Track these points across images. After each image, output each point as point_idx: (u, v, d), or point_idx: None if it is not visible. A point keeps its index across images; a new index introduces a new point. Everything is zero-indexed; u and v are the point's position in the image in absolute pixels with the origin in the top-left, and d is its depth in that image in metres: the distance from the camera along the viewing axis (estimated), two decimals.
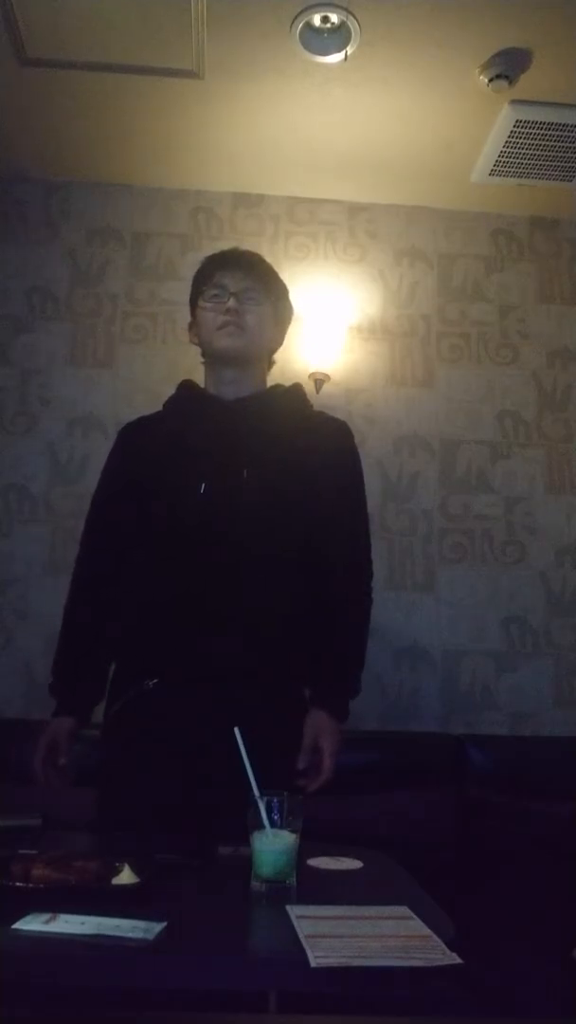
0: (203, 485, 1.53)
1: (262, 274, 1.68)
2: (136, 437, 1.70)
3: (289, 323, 1.75)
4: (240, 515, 1.52)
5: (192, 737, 1.44)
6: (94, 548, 1.67)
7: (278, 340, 1.73)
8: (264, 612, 1.49)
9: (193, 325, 1.71)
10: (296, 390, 1.71)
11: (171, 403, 1.72)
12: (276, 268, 1.72)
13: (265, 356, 1.71)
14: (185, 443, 1.60)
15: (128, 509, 1.60)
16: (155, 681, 1.48)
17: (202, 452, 1.57)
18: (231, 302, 1.61)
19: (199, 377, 1.73)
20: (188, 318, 1.74)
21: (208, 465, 1.55)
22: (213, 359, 1.66)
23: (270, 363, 1.74)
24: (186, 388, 1.72)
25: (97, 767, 1.52)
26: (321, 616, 1.54)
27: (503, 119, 2.65)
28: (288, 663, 1.52)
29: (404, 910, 1.00)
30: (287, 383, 1.73)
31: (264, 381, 1.70)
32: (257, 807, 1.09)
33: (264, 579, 1.50)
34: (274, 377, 1.76)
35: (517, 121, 2.64)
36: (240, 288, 1.63)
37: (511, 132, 2.69)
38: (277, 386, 1.71)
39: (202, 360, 1.71)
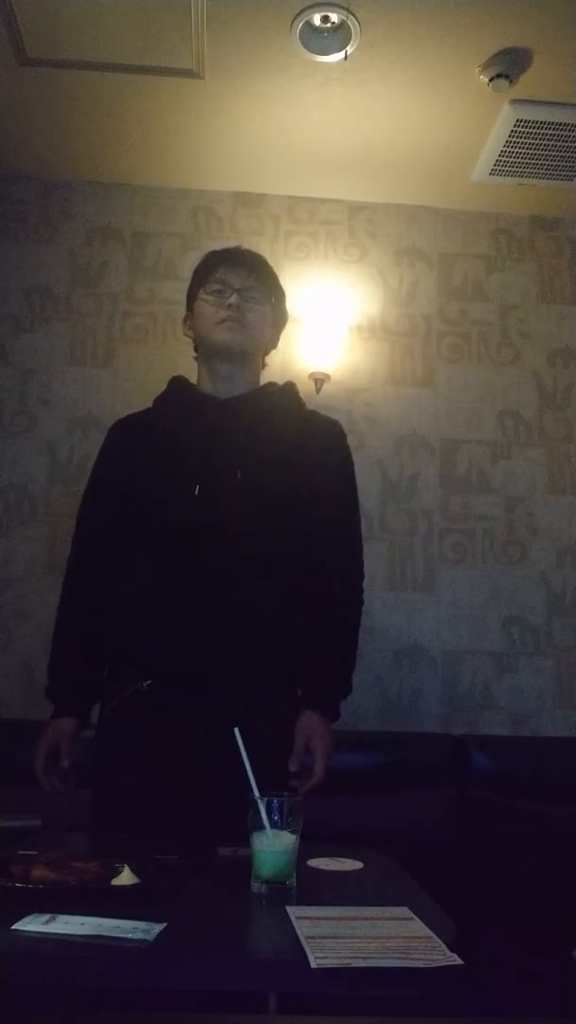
0: (197, 486, 1.51)
1: (265, 275, 1.67)
2: (127, 435, 1.68)
3: (284, 327, 1.74)
4: (234, 517, 1.51)
5: (189, 737, 1.43)
6: (86, 547, 1.65)
7: (274, 342, 1.72)
8: (258, 613, 1.48)
9: (189, 318, 1.69)
10: (289, 389, 1.70)
11: (162, 400, 1.70)
12: (276, 268, 1.72)
13: (261, 355, 1.70)
14: (179, 442, 1.58)
15: (120, 508, 1.58)
16: (149, 682, 1.47)
17: (196, 452, 1.56)
18: (233, 298, 1.60)
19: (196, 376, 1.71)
20: None
21: (202, 465, 1.54)
22: (210, 353, 1.64)
23: (263, 364, 1.72)
24: (178, 385, 1.70)
25: (93, 768, 1.52)
26: (312, 617, 1.53)
27: (503, 119, 2.65)
28: (282, 663, 1.51)
29: (404, 911, 0.99)
30: (281, 382, 1.71)
31: (258, 380, 1.69)
32: (257, 807, 1.09)
33: (257, 580, 1.49)
34: (273, 376, 1.75)
35: (518, 120, 2.64)
36: (243, 286, 1.62)
37: (511, 132, 2.69)
38: (270, 384, 1.69)
39: (194, 356, 1.70)
